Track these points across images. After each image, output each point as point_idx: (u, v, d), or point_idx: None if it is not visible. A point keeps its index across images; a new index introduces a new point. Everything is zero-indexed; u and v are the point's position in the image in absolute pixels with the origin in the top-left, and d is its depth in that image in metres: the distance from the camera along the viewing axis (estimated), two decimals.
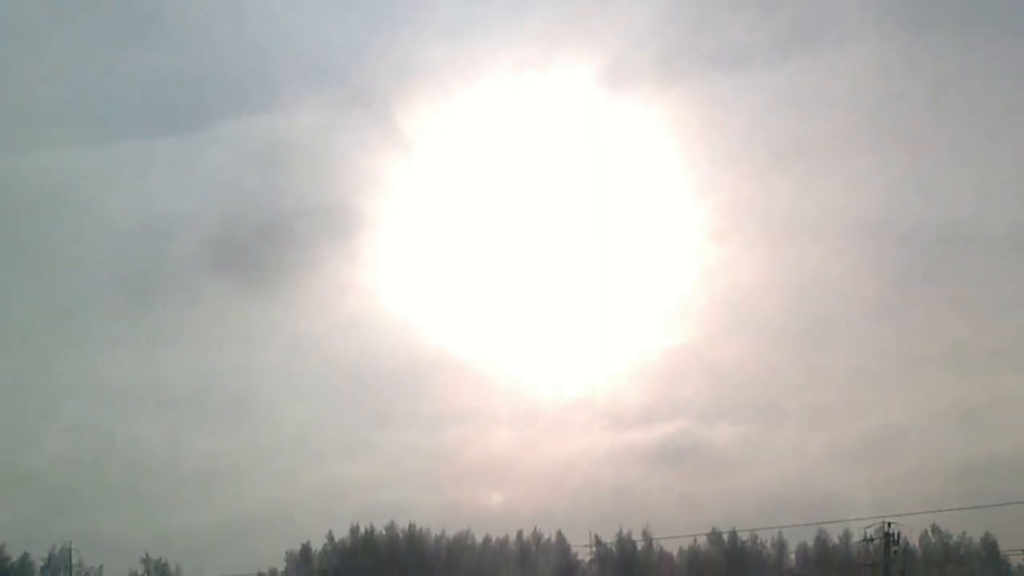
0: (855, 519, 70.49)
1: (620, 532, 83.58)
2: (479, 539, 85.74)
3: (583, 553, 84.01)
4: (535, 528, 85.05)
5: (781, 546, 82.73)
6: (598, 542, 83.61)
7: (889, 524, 42.52)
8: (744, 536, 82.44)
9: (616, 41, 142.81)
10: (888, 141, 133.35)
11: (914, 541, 71.60)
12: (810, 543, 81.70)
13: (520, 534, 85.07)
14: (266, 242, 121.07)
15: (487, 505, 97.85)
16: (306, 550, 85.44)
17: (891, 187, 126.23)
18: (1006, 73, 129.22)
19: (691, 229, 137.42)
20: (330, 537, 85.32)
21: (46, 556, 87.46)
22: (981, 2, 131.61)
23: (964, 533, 77.38)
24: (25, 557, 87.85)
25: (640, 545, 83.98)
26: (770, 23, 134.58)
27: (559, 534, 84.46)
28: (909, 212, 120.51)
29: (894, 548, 42.38)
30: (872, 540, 43.08)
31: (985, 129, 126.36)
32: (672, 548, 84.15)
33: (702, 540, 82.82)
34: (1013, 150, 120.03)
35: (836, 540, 79.11)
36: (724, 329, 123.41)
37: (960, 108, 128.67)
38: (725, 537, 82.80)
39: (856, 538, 59.76)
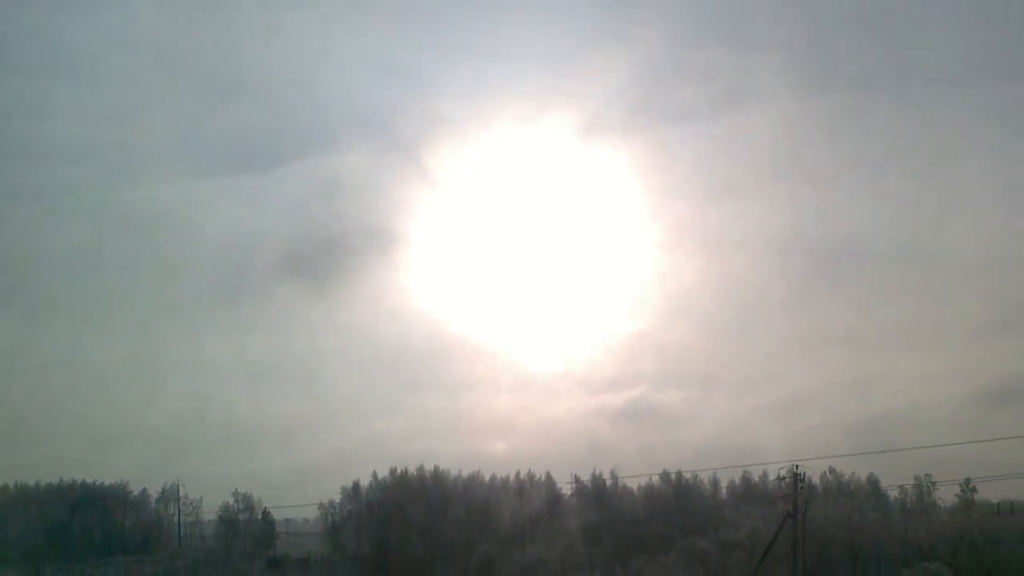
0: (771, 463, 71.93)
1: (593, 472, 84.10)
2: (487, 478, 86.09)
3: (566, 488, 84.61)
4: (529, 469, 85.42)
5: (715, 483, 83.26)
6: (577, 480, 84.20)
7: (797, 467, 42.73)
8: (687, 475, 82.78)
9: (591, 102, 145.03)
10: (795, 177, 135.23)
11: (816, 480, 72.31)
12: (737, 481, 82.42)
13: (518, 474, 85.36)
14: (326, 254, 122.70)
15: (493, 452, 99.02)
16: (356, 486, 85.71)
17: (798, 212, 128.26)
18: (886, 125, 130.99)
19: (647, 242, 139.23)
20: (374, 476, 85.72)
21: (160, 491, 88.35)
22: (865, 72, 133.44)
23: (853, 473, 78.00)
24: (144, 491, 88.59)
25: (608, 482, 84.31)
26: (708, 89, 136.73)
27: (547, 474, 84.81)
28: (811, 230, 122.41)
29: (801, 485, 42.58)
30: (784, 479, 43.23)
31: (869, 167, 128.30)
32: (632, 484, 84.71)
33: (655, 478, 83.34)
34: (891, 183, 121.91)
35: (756, 479, 79.72)
36: (672, 318, 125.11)
37: (850, 152, 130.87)
38: (673, 476, 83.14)
39: (772, 477, 60.33)
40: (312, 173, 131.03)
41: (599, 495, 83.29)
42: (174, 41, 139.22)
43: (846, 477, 78.11)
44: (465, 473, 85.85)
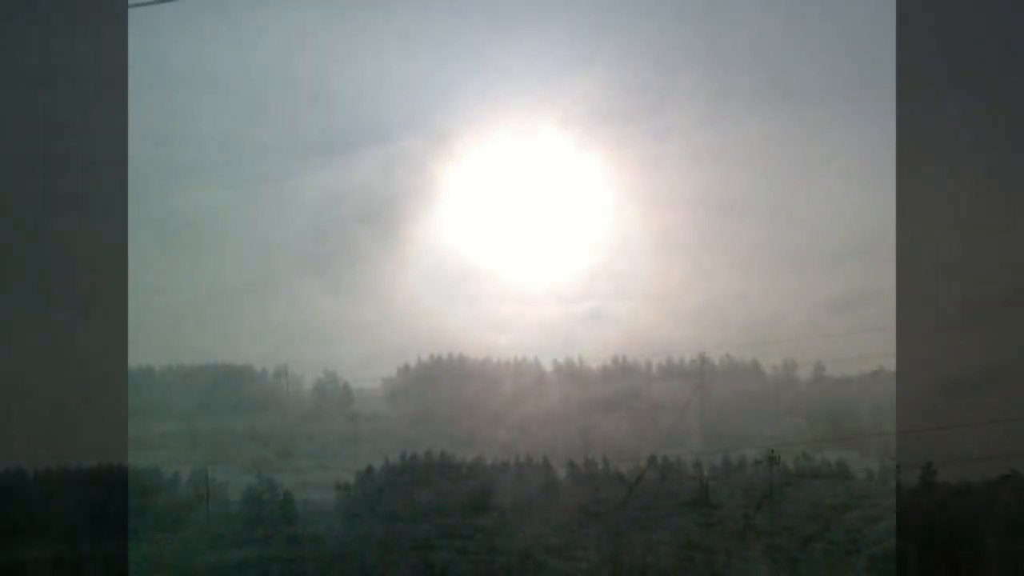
0: (750, 448, 71.60)
1: (587, 457, 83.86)
2: (489, 462, 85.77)
3: (561, 472, 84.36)
4: (527, 454, 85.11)
5: (698, 466, 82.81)
6: (572, 465, 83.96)
7: (772, 451, 42.94)
8: (672, 459, 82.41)
9: (584, 117, 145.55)
10: (770, 183, 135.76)
11: (790, 463, 72.23)
12: (718, 464, 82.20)
13: (517, 459, 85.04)
14: (339, 254, 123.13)
15: (495, 438, 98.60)
16: (370, 469, 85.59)
17: (772, 215, 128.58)
18: (853, 133, 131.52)
19: (635, 247, 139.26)
20: (386, 460, 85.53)
21: (189, 473, 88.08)
22: (831, 88, 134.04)
23: (824, 457, 77.94)
24: (175, 474, 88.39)
25: (600, 467, 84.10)
26: (691, 104, 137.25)
27: (544, 459, 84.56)
28: (787, 233, 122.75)
29: (776, 468, 42.80)
30: (761, 463, 43.45)
31: (840, 173, 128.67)
32: (623, 469, 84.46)
33: (643, 462, 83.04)
34: (858, 187, 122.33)
35: (735, 462, 79.54)
36: (658, 316, 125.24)
37: (821, 160, 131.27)
38: (659, 460, 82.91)
39: (750, 461, 60.50)
40: (327, 181, 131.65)
41: (591, 478, 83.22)
42: (202, 63, 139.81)
43: (817, 460, 78.26)
44: (469, 458, 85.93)
